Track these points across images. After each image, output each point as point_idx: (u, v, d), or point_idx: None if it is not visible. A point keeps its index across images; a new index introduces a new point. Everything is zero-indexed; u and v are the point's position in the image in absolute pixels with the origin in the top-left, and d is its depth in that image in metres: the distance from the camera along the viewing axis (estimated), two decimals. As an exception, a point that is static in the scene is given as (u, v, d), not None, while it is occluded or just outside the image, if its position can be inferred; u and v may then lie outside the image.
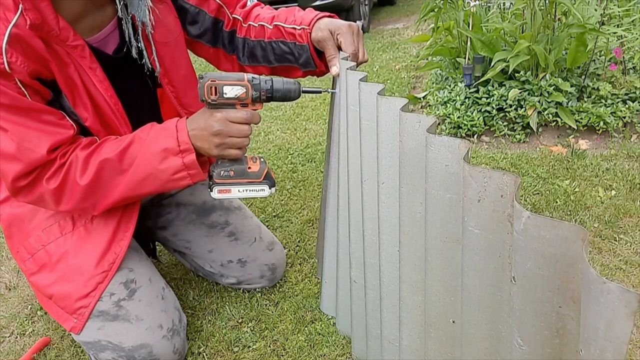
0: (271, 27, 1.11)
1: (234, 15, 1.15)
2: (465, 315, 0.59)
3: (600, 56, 2.08)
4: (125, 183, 0.94)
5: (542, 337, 0.45)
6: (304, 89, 0.97)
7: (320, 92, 1.00)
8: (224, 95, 0.90)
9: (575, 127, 1.94)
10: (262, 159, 1.00)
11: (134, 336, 1.03)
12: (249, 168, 0.98)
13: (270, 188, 0.99)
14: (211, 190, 0.97)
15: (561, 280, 0.40)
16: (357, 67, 0.94)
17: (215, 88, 0.90)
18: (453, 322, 0.67)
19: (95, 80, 0.93)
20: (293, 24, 1.07)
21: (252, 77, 0.91)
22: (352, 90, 0.83)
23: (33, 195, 0.92)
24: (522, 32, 2.06)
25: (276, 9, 1.17)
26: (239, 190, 0.98)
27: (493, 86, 2.07)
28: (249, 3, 1.19)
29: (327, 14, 1.08)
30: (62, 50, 0.88)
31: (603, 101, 1.95)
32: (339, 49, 1.02)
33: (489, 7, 2.51)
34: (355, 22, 1.08)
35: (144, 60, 1.02)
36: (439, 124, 2.18)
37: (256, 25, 1.13)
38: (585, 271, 0.34)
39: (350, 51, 0.98)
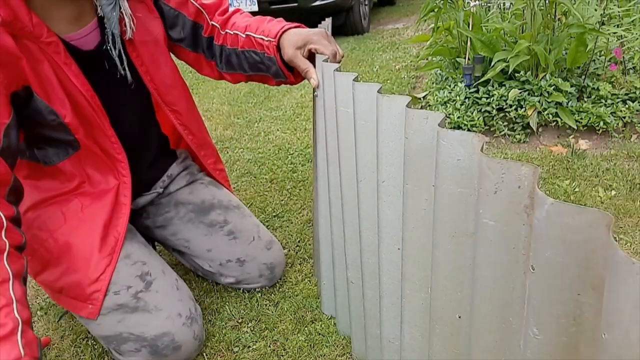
0: (244, 36, 1.11)
1: (212, 22, 1.16)
2: (475, 309, 0.58)
3: (600, 56, 2.08)
4: None
5: (559, 325, 0.44)
6: None
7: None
8: None
9: (575, 127, 1.94)
10: None
11: (154, 325, 1.03)
12: None
13: None
14: None
15: (582, 267, 0.40)
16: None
17: None
18: (459, 317, 0.66)
19: (71, 75, 0.94)
20: (262, 34, 1.08)
21: None
22: (344, 92, 0.81)
23: None
24: (522, 32, 2.06)
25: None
26: None
27: (493, 86, 2.07)
28: (230, 9, 1.20)
29: (295, 24, 1.07)
30: (35, 47, 0.88)
31: (603, 101, 1.94)
32: (313, 57, 1.01)
33: (489, 7, 2.51)
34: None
35: (124, 62, 1.03)
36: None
37: (232, 33, 1.14)
38: (613, 253, 0.33)
39: (329, 52, 0.98)
